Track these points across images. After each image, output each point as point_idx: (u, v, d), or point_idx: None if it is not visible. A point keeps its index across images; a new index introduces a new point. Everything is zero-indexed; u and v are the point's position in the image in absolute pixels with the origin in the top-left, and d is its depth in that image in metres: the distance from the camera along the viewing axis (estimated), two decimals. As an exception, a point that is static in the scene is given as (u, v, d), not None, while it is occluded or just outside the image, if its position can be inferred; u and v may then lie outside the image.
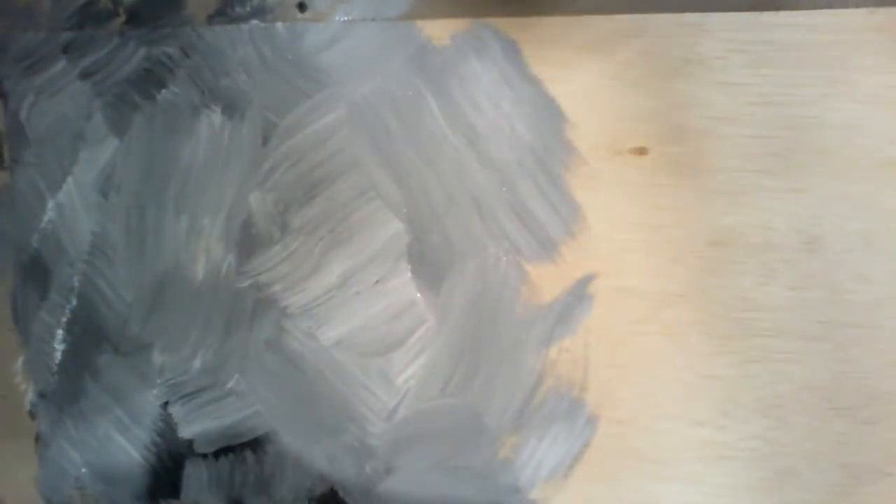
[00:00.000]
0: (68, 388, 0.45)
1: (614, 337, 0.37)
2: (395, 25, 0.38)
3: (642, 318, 0.37)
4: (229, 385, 0.42)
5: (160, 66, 0.42)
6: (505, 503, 0.38)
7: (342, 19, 0.39)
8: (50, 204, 0.44)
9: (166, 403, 0.43)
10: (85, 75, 0.43)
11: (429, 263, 0.39)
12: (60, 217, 0.44)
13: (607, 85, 0.37)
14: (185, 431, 0.43)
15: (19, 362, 0.46)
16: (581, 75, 0.37)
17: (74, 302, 0.44)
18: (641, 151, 0.36)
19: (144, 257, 0.42)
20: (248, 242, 0.41)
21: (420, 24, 0.38)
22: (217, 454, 0.42)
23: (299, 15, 0.40)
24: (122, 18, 0.42)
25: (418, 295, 0.39)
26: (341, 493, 0.41)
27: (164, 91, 0.42)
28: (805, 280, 0.35)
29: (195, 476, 0.43)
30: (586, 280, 0.37)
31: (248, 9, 0.40)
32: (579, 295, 0.37)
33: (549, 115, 0.37)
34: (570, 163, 0.37)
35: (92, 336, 0.44)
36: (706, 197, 0.35)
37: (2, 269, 0.46)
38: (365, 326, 0.39)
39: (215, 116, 0.41)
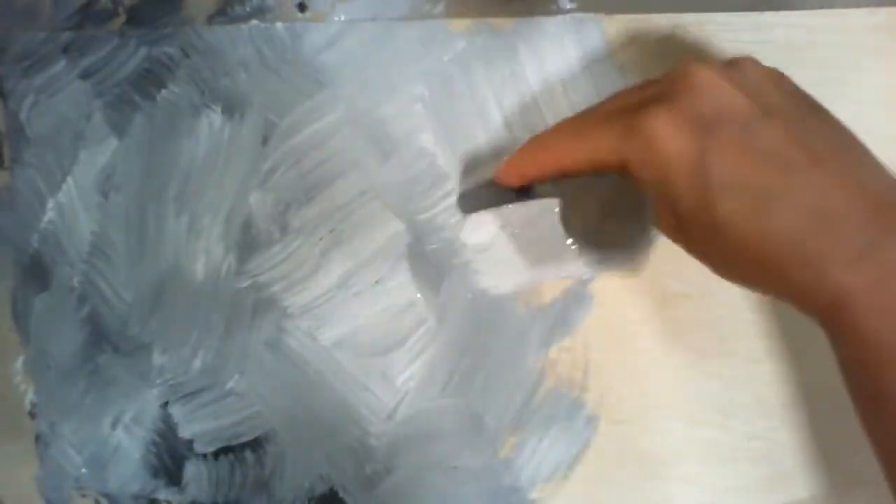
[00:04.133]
0: (68, 388, 0.45)
1: (614, 337, 0.37)
2: (395, 25, 0.38)
3: (642, 318, 0.37)
4: (229, 385, 0.42)
5: (160, 66, 0.42)
6: (505, 503, 0.38)
7: (342, 19, 0.39)
8: (50, 204, 0.44)
9: (166, 403, 0.43)
10: (85, 75, 0.43)
11: (429, 263, 0.39)
12: (60, 217, 0.44)
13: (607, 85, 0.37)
14: (185, 431, 0.43)
15: (19, 362, 0.46)
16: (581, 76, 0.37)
17: (74, 302, 0.44)
18: (641, 151, 0.36)
19: (144, 257, 0.42)
20: (248, 242, 0.41)
21: (420, 24, 0.38)
22: (217, 454, 0.42)
23: (299, 15, 0.40)
24: (122, 18, 0.42)
25: (418, 295, 0.39)
26: (341, 493, 0.41)
27: (164, 91, 0.42)
28: (805, 280, 0.35)
29: (195, 476, 0.43)
30: (586, 280, 0.37)
31: (248, 9, 0.40)
32: (579, 295, 0.37)
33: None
34: (570, 163, 0.37)
35: (92, 336, 0.44)
36: (706, 197, 0.35)
37: (2, 269, 0.46)
38: (365, 326, 0.39)
39: (215, 116, 0.41)
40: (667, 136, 0.23)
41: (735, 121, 0.23)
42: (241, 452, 0.42)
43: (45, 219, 0.44)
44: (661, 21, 0.36)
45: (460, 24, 0.38)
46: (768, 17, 0.35)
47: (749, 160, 0.22)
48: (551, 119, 0.37)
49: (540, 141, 0.28)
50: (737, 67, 0.26)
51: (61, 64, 0.43)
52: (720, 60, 0.27)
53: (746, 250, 0.24)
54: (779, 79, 0.27)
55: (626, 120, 0.25)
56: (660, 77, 0.27)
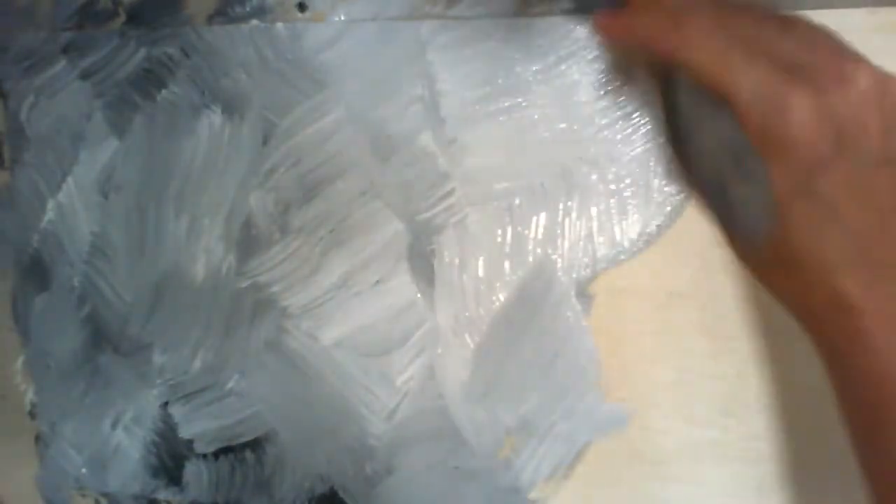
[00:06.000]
0: (68, 388, 0.45)
1: (614, 337, 0.37)
2: (395, 25, 0.38)
3: (642, 318, 0.37)
4: (229, 385, 0.42)
5: (160, 66, 0.42)
6: (505, 503, 0.38)
7: (342, 19, 0.39)
8: (50, 204, 0.44)
9: (166, 403, 0.43)
10: (85, 75, 0.43)
11: (429, 263, 0.39)
12: (60, 217, 0.44)
13: (607, 85, 0.37)
14: (185, 431, 0.43)
15: (19, 362, 0.46)
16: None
17: (74, 302, 0.44)
18: (641, 151, 0.36)
19: (144, 257, 0.42)
20: (248, 242, 0.41)
21: (420, 24, 0.38)
22: (217, 454, 0.42)
23: (299, 15, 0.40)
24: (122, 18, 0.42)
25: (418, 295, 0.39)
26: (341, 493, 0.41)
27: (164, 91, 0.42)
28: (805, 280, 0.35)
29: (195, 476, 0.43)
30: (586, 280, 0.37)
31: (248, 9, 0.40)
32: (580, 295, 0.37)
33: (549, 115, 0.37)
34: (570, 163, 0.37)
35: (92, 336, 0.44)
36: (706, 197, 0.35)
37: (2, 269, 0.46)
38: (365, 326, 0.39)
39: (215, 116, 0.41)
40: (807, 128, 0.23)
41: (860, 150, 0.23)
42: (241, 452, 0.42)
43: (45, 219, 0.44)
44: (661, 21, 0.36)
45: (459, 24, 0.38)
46: (768, 17, 0.35)
47: (853, 195, 0.23)
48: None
49: (676, 20, 0.26)
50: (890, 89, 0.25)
51: (61, 64, 0.43)
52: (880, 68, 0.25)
53: (783, 247, 0.25)
54: None
55: (773, 81, 0.24)
56: (807, 35, 0.26)
